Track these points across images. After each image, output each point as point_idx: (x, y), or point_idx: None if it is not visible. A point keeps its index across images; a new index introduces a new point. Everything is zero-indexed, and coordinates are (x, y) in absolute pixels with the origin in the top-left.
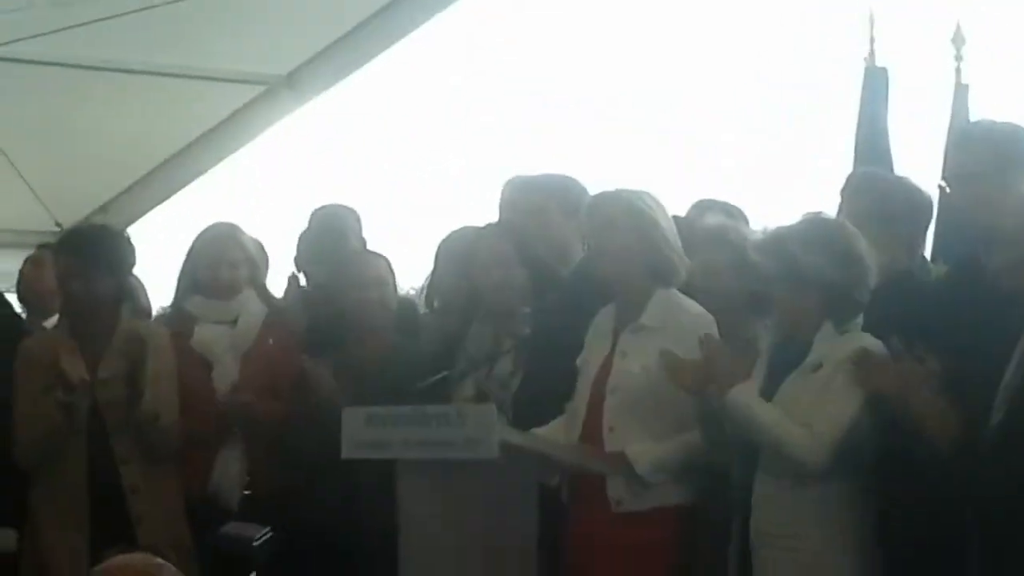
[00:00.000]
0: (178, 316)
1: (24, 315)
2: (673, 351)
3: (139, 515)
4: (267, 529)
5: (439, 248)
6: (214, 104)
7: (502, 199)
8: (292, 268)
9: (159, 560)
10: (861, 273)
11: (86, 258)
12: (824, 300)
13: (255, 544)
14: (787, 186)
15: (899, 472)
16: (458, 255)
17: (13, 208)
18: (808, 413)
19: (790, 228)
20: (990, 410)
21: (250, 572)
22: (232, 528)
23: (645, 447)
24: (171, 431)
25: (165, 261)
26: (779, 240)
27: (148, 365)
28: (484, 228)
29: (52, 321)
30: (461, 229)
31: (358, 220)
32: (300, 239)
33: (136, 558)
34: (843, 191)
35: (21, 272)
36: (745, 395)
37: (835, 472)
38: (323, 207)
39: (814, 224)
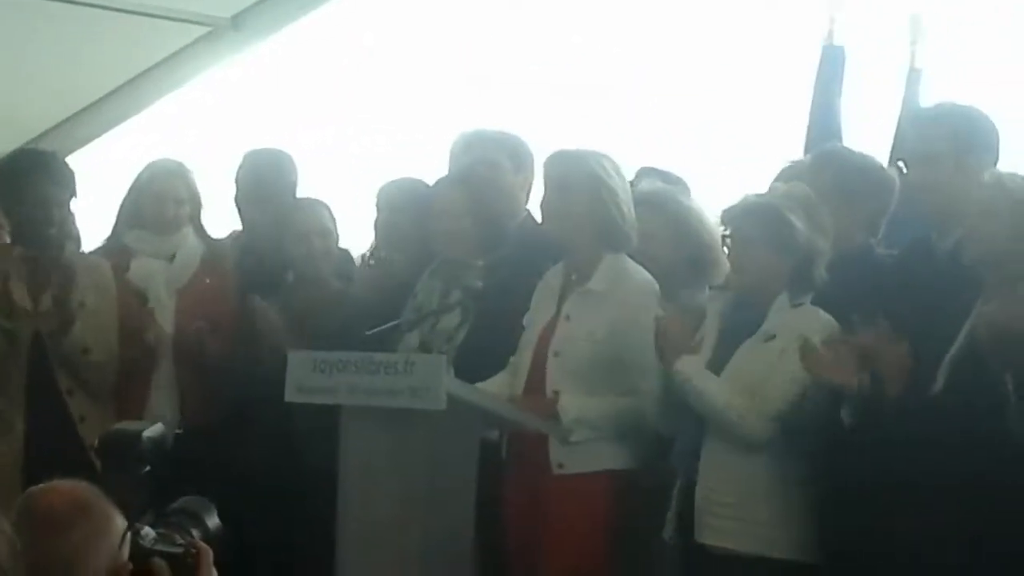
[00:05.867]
0: (116, 248)
1: None
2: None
3: (91, 443)
4: (158, 424)
5: (378, 198)
6: (157, 42)
7: (453, 150)
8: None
9: (96, 489)
10: (827, 246)
11: (32, 182)
12: (792, 268)
13: (144, 435)
14: (737, 161)
15: (841, 448)
16: (399, 204)
17: None
18: (758, 383)
19: (776, 194)
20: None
21: (143, 467)
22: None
23: (574, 400)
24: (106, 365)
25: (98, 196)
26: (767, 203)
27: (75, 296)
28: (440, 178)
29: None
30: (400, 180)
31: (291, 164)
32: (236, 181)
33: (77, 484)
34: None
35: None
36: (690, 367)
37: (784, 445)
38: (256, 150)
39: (799, 191)
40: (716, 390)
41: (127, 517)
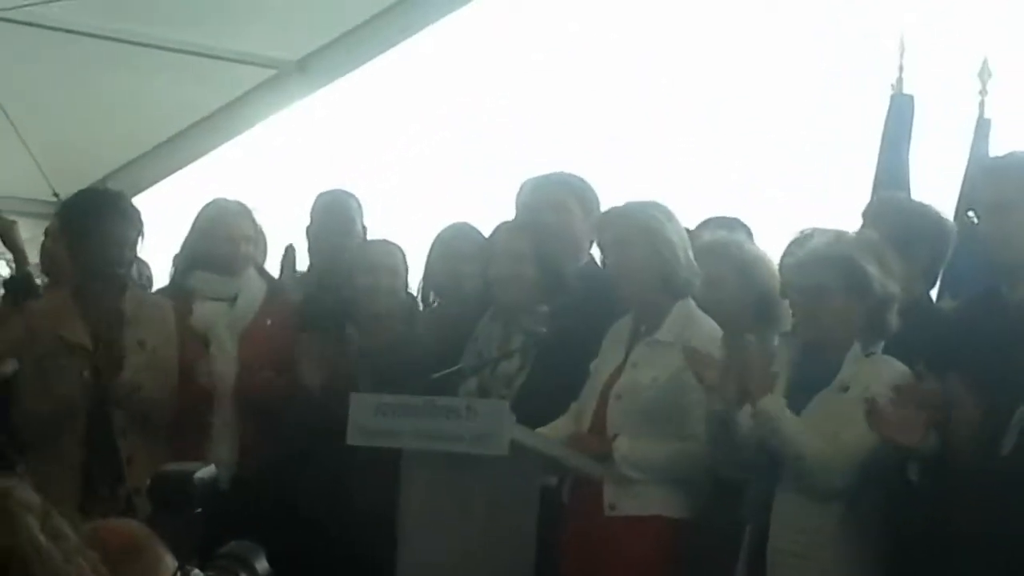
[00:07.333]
0: (178, 291)
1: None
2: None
3: (135, 487)
4: (210, 466)
5: (433, 243)
6: (223, 84)
7: (521, 196)
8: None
9: (147, 529)
10: (898, 291)
11: (99, 220)
12: (865, 316)
13: (196, 477)
14: (807, 208)
15: (911, 502)
16: (458, 249)
17: (12, 174)
18: (834, 434)
19: (847, 241)
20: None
21: (194, 508)
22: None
23: (627, 441)
24: (159, 404)
25: (160, 239)
26: (840, 252)
27: (130, 335)
28: (504, 223)
29: None
30: (458, 224)
31: (359, 206)
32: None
33: (130, 523)
34: (865, 213)
35: (43, 245)
36: (774, 406)
37: (859, 494)
38: (325, 192)
39: (868, 236)
40: (798, 432)
41: (177, 558)
